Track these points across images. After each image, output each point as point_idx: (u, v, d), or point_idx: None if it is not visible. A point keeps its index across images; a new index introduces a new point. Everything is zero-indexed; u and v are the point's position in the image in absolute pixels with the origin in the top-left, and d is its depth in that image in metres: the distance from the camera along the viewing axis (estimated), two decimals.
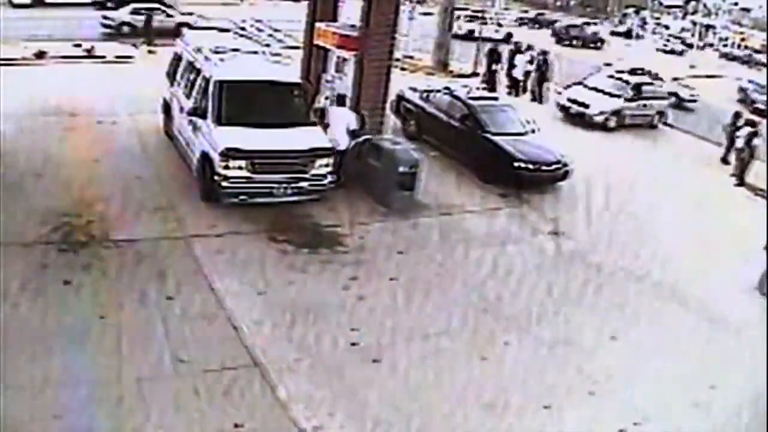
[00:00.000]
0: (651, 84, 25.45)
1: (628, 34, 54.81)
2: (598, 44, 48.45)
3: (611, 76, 25.10)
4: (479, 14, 41.25)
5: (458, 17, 34.77)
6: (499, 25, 44.76)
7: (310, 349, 8.57)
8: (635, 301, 10.89)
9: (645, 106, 23.36)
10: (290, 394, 7.73)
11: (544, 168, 14.99)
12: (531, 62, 25.24)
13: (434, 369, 8.53)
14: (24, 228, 10.39)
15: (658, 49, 51.23)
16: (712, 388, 8.77)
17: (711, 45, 54.30)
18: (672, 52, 51.55)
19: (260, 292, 9.61)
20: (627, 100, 22.76)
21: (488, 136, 15.53)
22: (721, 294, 11.11)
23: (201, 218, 11.66)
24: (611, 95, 22.74)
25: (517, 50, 26.01)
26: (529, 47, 26.94)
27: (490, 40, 32.30)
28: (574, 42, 47.22)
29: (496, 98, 17.55)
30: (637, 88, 23.46)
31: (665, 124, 24.37)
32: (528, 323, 9.81)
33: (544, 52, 26.03)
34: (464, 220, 13.24)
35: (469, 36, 35.27)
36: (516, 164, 14.79)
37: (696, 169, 19.35)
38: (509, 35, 40.04)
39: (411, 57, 29.10)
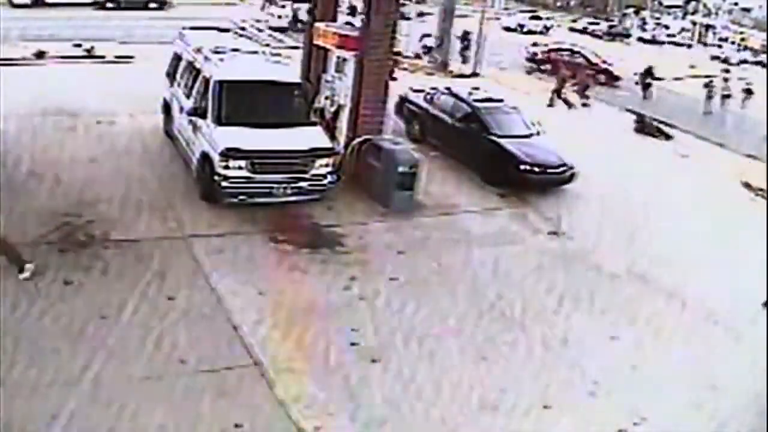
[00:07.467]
0: None
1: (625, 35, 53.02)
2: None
3: None
4: None
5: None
6: None
7: (310, 349, 8.57)
8: (635, 301, 10.89)
9: None
10: (290, 394, 7.72)
11: (549, 170, 14.91)
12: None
13: (434, 369, 8.52)
14: (25, 228, 10.38)
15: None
16: (713, 389, 8.77)
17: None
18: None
19: (260, 292, 9.61)
20: None
21: (493, 138, 15.45)
22: (722, 295, 11.10)
23: (201, 218, 11.67)
24: None
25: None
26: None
27: None
28: None
29: (501, 100, 17.42)
30: None
31: None
32: (528, 323, 9.80)
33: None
34: (464, 220, 13.22)
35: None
36: (522, 167, 14.70)
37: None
38: None
39: (411, 57, 29.12)
